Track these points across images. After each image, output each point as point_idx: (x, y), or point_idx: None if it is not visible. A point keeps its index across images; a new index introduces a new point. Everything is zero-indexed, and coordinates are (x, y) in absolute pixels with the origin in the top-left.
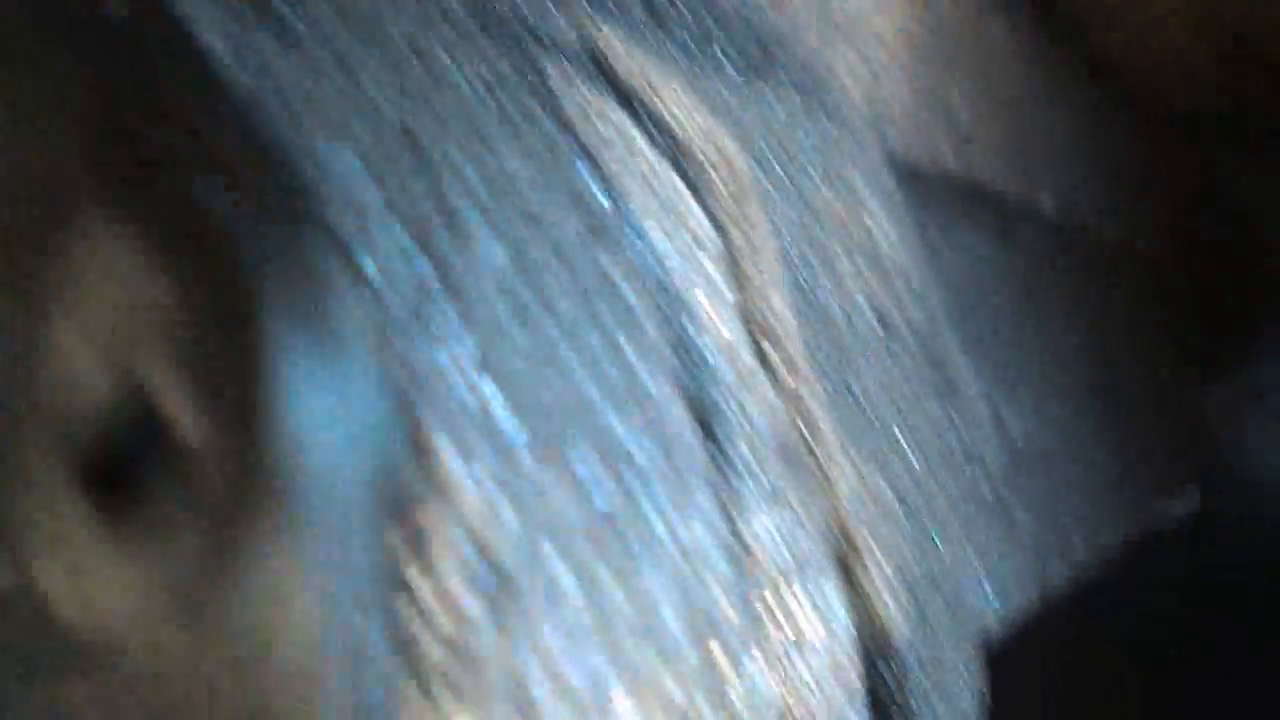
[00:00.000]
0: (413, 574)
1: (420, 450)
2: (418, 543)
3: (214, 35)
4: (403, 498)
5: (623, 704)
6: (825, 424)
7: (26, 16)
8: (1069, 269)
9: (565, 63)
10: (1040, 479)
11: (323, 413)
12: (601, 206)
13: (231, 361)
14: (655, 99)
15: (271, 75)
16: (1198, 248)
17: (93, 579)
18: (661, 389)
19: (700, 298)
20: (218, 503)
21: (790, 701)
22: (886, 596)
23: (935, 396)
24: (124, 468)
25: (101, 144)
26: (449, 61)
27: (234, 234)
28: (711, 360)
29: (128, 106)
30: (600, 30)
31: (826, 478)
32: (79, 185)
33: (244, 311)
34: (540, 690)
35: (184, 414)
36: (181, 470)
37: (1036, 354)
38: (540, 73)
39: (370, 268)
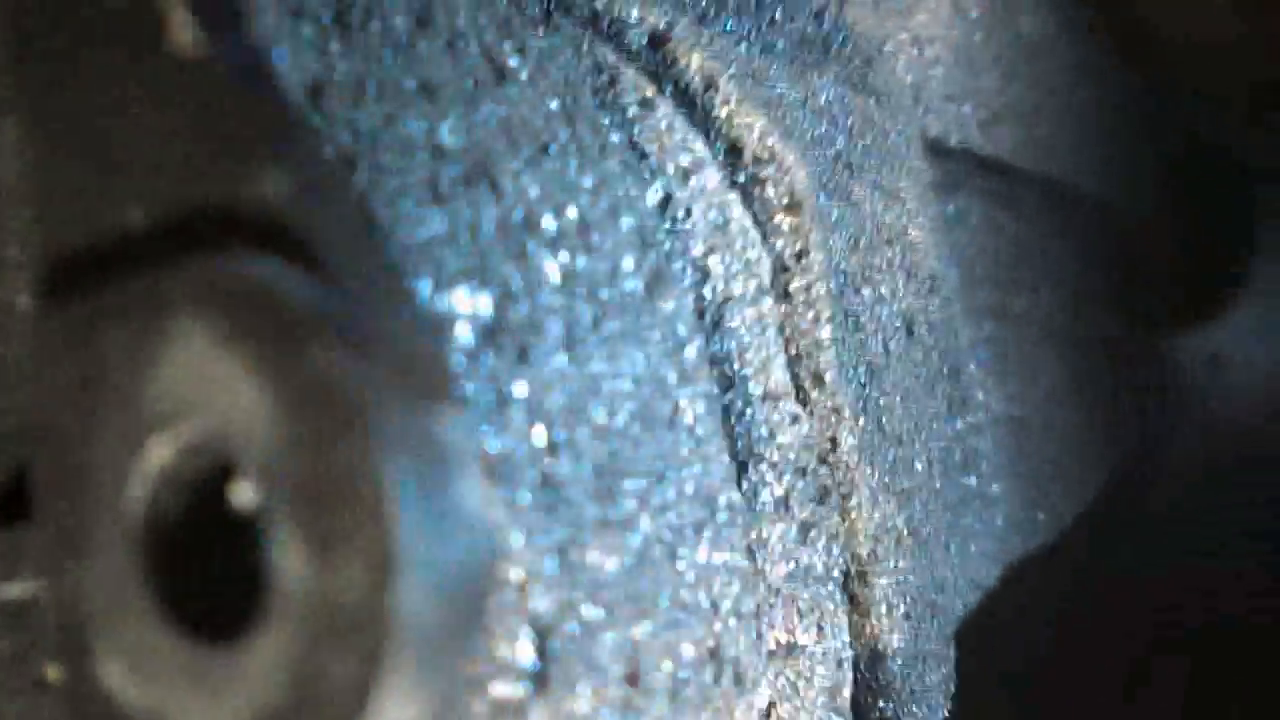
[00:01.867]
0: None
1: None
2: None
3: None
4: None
5: None
6: (847, 445)
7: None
8: (1066, 237)
9: (628, 61)
10: (1014, 449)
11: (424, 547)
12: (660, 231)
13: (340, 487)
14: (713, 94)
15: (349, 119)
16: (1192, 219)
17: (165, 690)
18: (699, 412)
19: (742, 312)
20: (309, 639)
21: (775, 700)
22: (885, 618)
23: (947, 408)
24: (205, 582)
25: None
26: (525, 78)
27: (339, 337)
28: (748, 379)
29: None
30: (661, 14)
31: (843, 497)
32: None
33: (354, 434)
34: None
35: (283, 538)
36: (270, 598)
37: (1027, 323)
38: (609, 77)
39: (459, 363)
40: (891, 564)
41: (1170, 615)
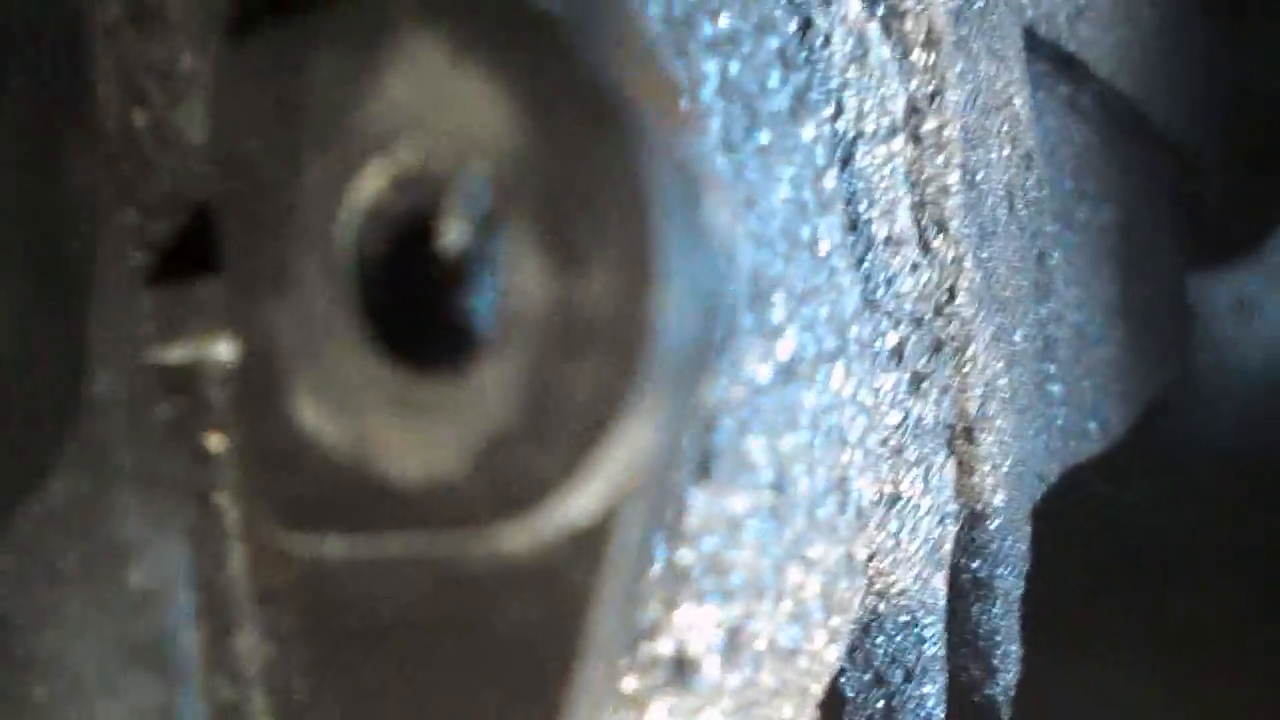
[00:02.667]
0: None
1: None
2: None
3: None
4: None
5: None
6: (964, 297)
7: None
8: (1126, 158)
9: None
10: (1073, 354)
11: (682, 259)
12: (800, 56)
13: (596, 193)
14: None
15: None
16: (1241, 162)
17: (376, 424)
18: (835, 243)
19: (872, 150)
20: (549, 355)
21: (875, 553)
22: (990, 476)
23: (1033, 290)
24: (415, 319)
25: None
26: None
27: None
28: (872, 223)
29: None
30: None
31: (957, 351)
32: None
33: (615, 136)
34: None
35: (520, 252)
36: (498, 320)
37: (1087, 232)
38: None
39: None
40: (998, 424)
41: (1189, 553)
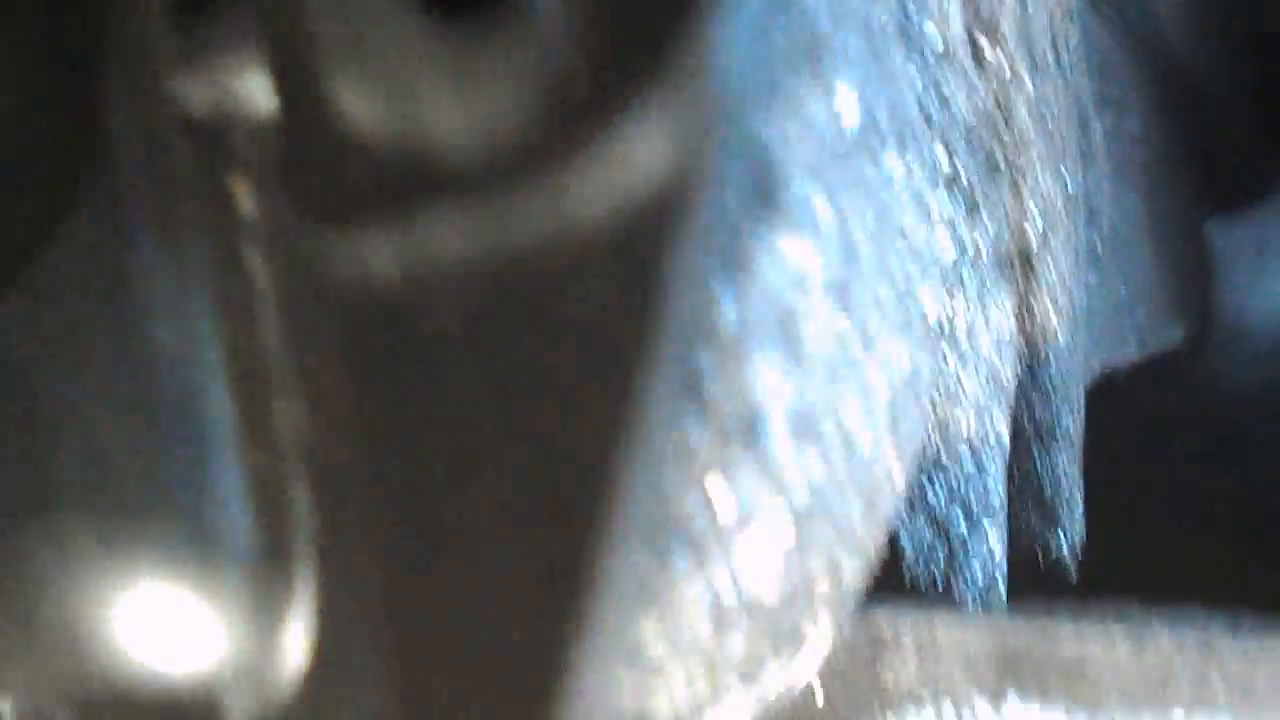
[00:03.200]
0: None
1: None
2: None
3: None
4: None
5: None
6: (1021, 115)
7: None
8: (1147, 76)
9: None
10: (1107, 255)
11: None
12: None
13: None
14: None
15: None
16: (1263, 103)
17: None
18: (889, 28)
19: None
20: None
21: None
22: (1051, 310)
23: (1079, 152)
24: None
25: None
26: None
27: None
28: (925, 32)
29: None
30: None
31: (1015, 174)
32: None
33: None
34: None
35: None
36: None
37: (1111, 140)
38: None
39: None
40: (1059, 255)
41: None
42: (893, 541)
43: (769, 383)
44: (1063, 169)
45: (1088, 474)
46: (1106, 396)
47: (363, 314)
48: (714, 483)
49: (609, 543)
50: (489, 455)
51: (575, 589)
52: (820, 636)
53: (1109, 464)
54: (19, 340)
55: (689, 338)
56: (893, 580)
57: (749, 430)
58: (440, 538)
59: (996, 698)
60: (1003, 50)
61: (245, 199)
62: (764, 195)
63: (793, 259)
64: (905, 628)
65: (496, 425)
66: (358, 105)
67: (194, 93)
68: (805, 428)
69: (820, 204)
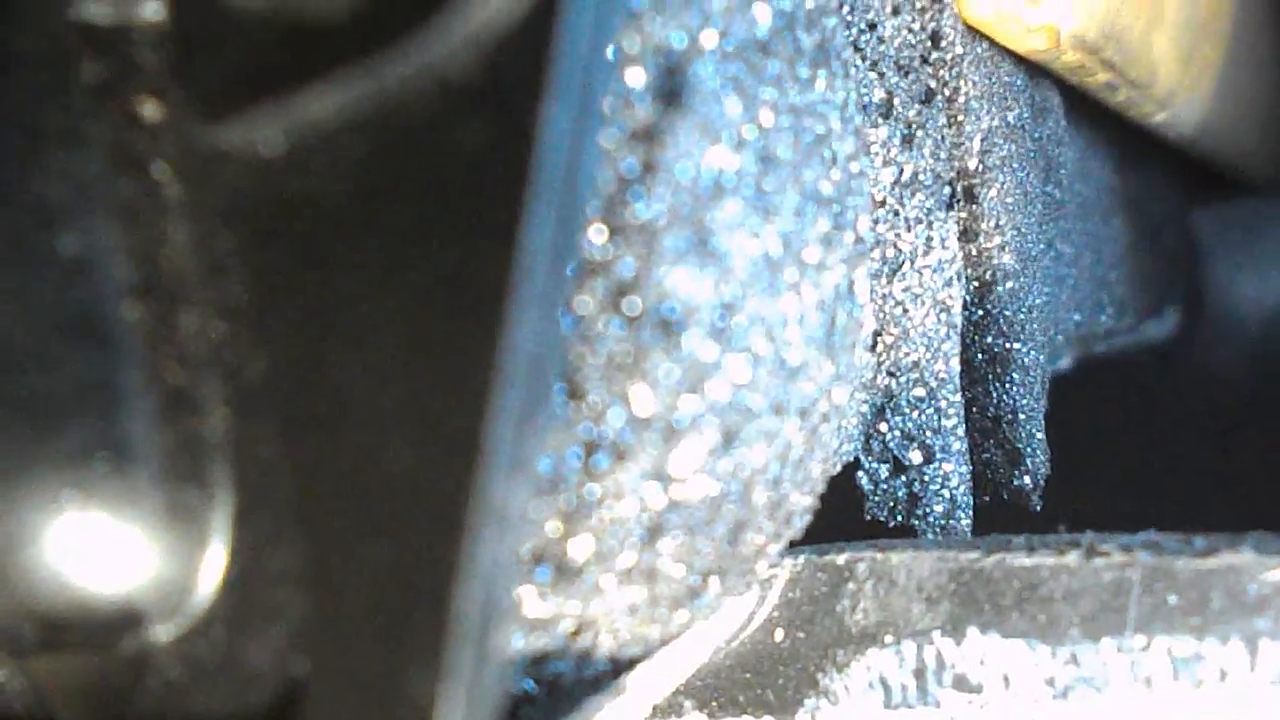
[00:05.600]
0: None
1: None
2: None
3: None
4: None
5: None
6: (950, 37)
7: None
8: None
9: None
10: (1078, 228)
11: None
12: None
13: None
14: None
15: None
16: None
17: None
18: None
19: None
20: None
21: (881, 326)
22: (995, 235)
23: (1030, 108)
24: None
25: None
26: None
27: None
28: None
29: None
30: None
31: (948, 98)
32: None
33: None
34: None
35: None
36: None
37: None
38: None
39: None
40: (1000, 181)
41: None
42: (852, 482)
43: (684, 279)
44: (1005, 100)
45: (1074, 453)
46: (1093, 378)
47: (259, 202)
48: (625, 372)
49: (500, 410)
50: (381, 316)
51: (467, 464)
52: (766, 557)
53: (1095, 442)
54: None
55: (575, 197)
56: (852, 521)
57: (664, 324)
58: (340, 410)
59: (957, 633)
60: None
61: (146, 105)
62: (669, 95)
63: (704, 158)
64: (863, 567)
65: (387, 284)
66: None
67: (97, 11)
68: (725, 328)
69: (732, 106)
